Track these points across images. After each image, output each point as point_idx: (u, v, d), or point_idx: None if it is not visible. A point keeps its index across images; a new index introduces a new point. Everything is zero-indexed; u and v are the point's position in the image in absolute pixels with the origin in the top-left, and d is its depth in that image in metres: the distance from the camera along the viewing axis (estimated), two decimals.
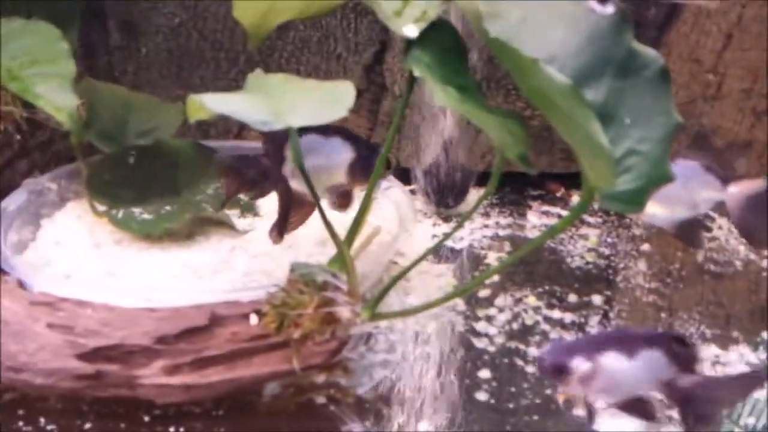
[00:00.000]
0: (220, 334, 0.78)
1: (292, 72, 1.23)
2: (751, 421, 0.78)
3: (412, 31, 0.79)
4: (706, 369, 0.86)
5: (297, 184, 0.87)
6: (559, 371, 0.65)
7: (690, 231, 0.89)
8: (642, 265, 1.10)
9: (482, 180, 1.38)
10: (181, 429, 0.77)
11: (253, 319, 0.80)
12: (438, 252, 1.12)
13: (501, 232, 1.20)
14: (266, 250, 0.99)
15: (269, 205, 1.12)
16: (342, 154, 0.89)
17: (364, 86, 1.24)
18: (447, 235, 0.85)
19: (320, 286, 0.78)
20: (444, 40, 0.82)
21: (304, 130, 0.79)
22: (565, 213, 1.25)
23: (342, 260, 0.79)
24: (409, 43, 0.79)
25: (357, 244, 0.85)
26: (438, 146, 1.22)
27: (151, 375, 0.75)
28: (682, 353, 0.66)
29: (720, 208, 0.89)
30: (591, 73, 0.77)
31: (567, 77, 0.77)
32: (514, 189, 1.35)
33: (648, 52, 0.76)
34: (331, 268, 0.81)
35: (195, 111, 0.72)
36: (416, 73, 0.76)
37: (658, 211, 0.86)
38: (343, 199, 0.89)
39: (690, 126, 1.25)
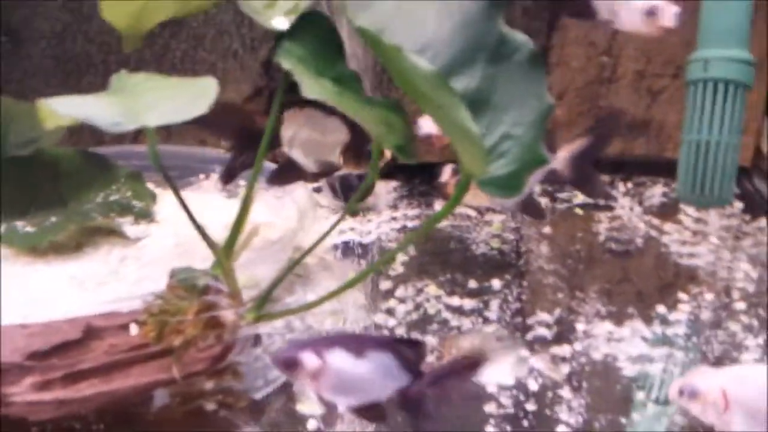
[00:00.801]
0: (97, 347, 0.75)
1: (188, 72, 1.20)
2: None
3: (281, 23, 0.77)
4: (601, 345, 0.87)
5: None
6: (289, 365, 0.65)
7: (531, 206, 0.94)
8: (544, 248, 1.11)
9: (390, 173, 1.38)
10: None
11: (133, 329, 0.77)
12: (347, 247, 1.11)
13: (409, 224, 1.20)
14: (159, 258, 0.96)
15: (165, 210, 1.10)
16: (338, 134, 0.88)
17: (263, 83, 1.22)
18: (327, 232, 0.83)
19: (201, 290, 0.76)
20: (318, 32, 0.81)
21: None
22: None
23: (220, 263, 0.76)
24: (280, 36, 0.77)
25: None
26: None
27: (22, 392, 0.71)
28: (412, 358, 0.66)
29: (552, 175, 0.92)
30: (464, 59, 0.77)
31: (441, 65, 0.77)
32: (423, 180, 1.34)
33: (518, 36, 0.76)
34: (214, 272, 0.79)
35: (47, 116, 0.69)
36: (285, 66, 0.74)
37: None
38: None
39: (589, 110, 1.26)
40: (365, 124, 0.78)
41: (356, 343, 0.65)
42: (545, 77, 0.75)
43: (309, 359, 0.65)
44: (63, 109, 0.64)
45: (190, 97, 0.67)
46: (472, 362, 0.67)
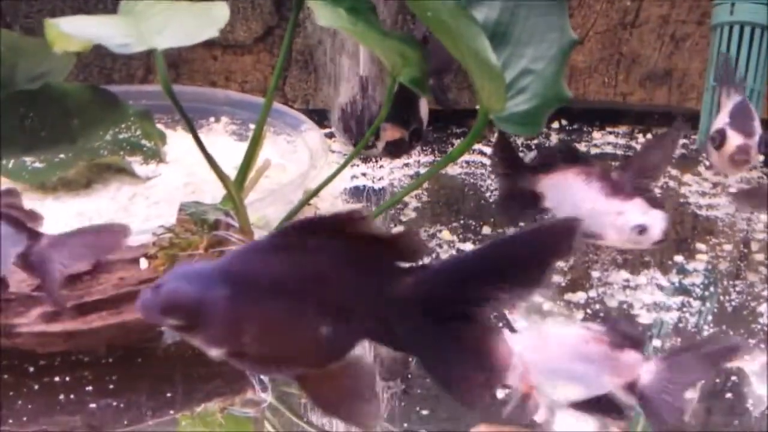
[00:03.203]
0: (106, 280, 0.74)
1: None
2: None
3: None
4: (617, 293, 0.85)
5: None
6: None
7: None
8: None
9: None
10: (67, 378, 0.73)
11: (143, 262, 0.76)
12: (359, 191, 1.10)
13: (422, 170, 1.18)
14: (168, 197, 0.95)
15: (174, 150, 1.08)
16: None
17: (275, 22, 1.19)
18: (339, 169, 0.81)
19: (211, 225, 0.75)
20: None
21: None
22: (488, 150, 1.23)
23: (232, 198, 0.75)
24: None
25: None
26: (354, 85, 1.18)
27: (30, 323, 0.71)
28: None
29: None
30: None
31: None
32: (437, 127, 1.32)
33: None
34: (224, 207, 0.77)
35: (55, 38, 0.67)
36: None
37: None
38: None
39: (611, 55, 1.23)
40: (381, 56, 0.76)
41: None
42: (567, 11, 0.72)
43: None
44: (71, 29, 0.62)
45: (201, 20, 0.65)
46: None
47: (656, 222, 0.77)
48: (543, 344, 0.61)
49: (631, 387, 0.57)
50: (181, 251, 0.74)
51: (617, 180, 0.80)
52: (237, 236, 0.75)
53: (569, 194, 0.81)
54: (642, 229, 0.77)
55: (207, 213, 0.75)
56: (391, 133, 1.12)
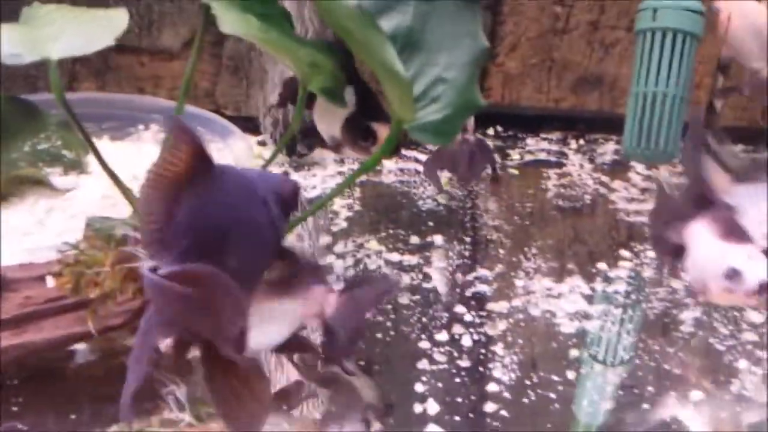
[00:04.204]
0: (11, 298, 0.71)
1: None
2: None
3: None
4: (540, 301, 0.85)
5: None
6: None
7: None
8: (492, 204, 1.08)
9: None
10: None
11: (50, 281, 0.73)
12: None
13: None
14: (86, 209, 0.92)
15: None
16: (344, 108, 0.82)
17: (204, 27, 1.17)
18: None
19: (118, 240, 0.72)
20: None
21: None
22: (423, 157, 1.22)
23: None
24: None
25: None
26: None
27: None
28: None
29: None
30: None
31: (372, 0, 0.73)
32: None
33: None
34: (133, 221, 0.75)
35: None
36: None
37: None
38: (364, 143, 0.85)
39: (542, 61, 1.23)
40: (291, 65, 0.74)
41: None
42: (480, 17, 0.71)
43: None
44: None
45: (98, 29, 0.63)
46: None
47: (754, 269, 0.64)
48: None
49: (319, 316, 0.63)
50: (88, 268, 0.72)
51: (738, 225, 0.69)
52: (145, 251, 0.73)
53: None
54: (734, 275, 0.65)
55: (114, 228, 0.72)
56: (386, 130, 1.09)
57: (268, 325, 0.62)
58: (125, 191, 0.71)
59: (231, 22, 0.67)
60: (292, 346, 0.64)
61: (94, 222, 0.73)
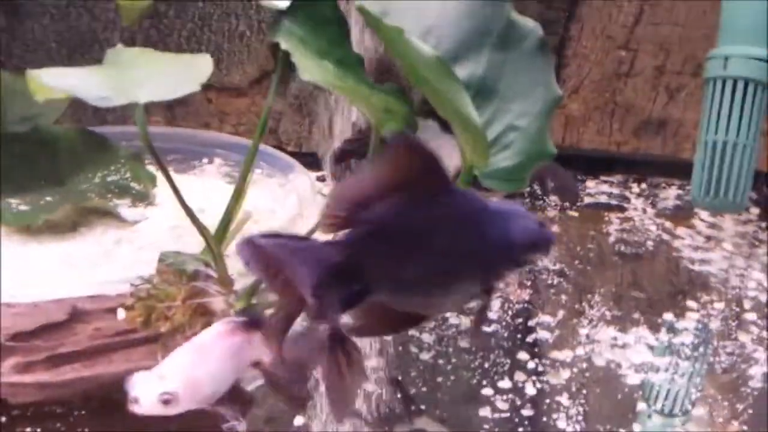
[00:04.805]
0: (82, 330, 0.73)
1: (193, 53, 1.18)
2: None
3: (281, 1, 0.74)
4: (605, 350, 0.83)
5: None
6: None
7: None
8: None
9: None
10: (39, 430, 0.71)
11: (121, 313, 0.75)
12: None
13: None
14: (154, 241, 0.94)
15: (165, 193, 1.07)
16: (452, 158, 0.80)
17: (270, 66, 1.19)
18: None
19: (190, 275, 0.73)
20: (321, 11, 0.78)
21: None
22: None
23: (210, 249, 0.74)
24: (280, 14, 0.74)
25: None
26: (347, 130, 1.18)
27: (4, 373, 0.69)
28: None
29: None
30: (470, 45, 0.74)
31: (445, 49, 0.74)
32: None
33: (526, 22, 0.73)
34: (204, 257, 0.76)
35: (37, 88, 0.67)
36: (284, 46, 0.72)
37: None
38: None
39: (605, 104, 1.23)
40: (365, 111, 0.75)
41: None
42: (553, 66, 0.72)
43: None
44: (49, 81, 0.61)
45: (184, 73, 0.65)
46: None
47: None
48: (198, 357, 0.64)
49: (258, 365, 0.66)
50: (159, 302, 0.73)
51: None
52: (216, 287, 0.74)
53: None
54: None
55: (186, 263, 0.74)
56: None
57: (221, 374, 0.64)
58: (199, 226, 0.73)
59: (310, 69, 0.68)
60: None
61: (167, 256, 0.74)
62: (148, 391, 0.62)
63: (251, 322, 0.67)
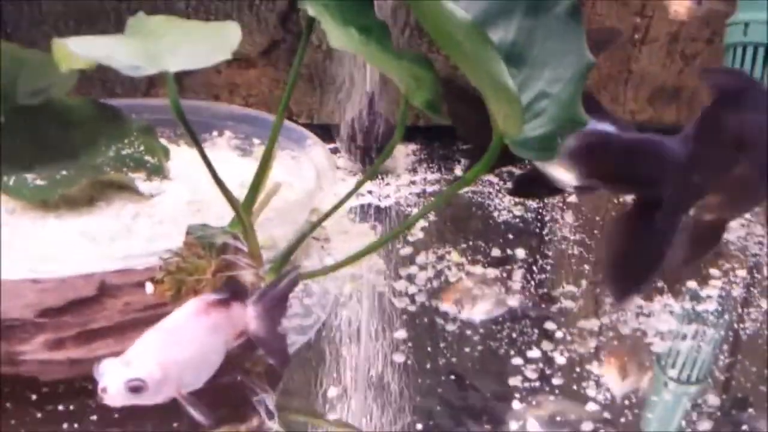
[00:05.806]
0: (112, 305, 0.72)
1: None
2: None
3: None
4: (630, 320, 0.84)
5: None
6: None
7: None
8: (569, 217, 1.07)
9: (409, 135, 1.34)
10: (71, 407, 0.71)
11: (149, 287, 0.74)
12: (364, 210, 1.08)
13: (429, 189, 1.16)
14: (173, 215, 0.93)
15: (178, 166, 1.06)
16: None
17: (280, 36, 1.18)
18: (349, 194, 0.79)
19: (219, 249, 0.73)
20: None
21: None
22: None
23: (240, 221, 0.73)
24: None
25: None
26: (360, 100, 1.17)
27: (34, 350, 0.69)
28: None
29: None
30: (500, 10, 0.73)
31: (475, 14, 0.73)
32: (444, 143, 1.30)
33: None
34: (232, 230, 0.75)
35: (63, 58, 0.65)
36: (311, 12, 0.70)
37: None
38: None
39: (619, 72, 1.22)
40: (393, 78, 0.74)
41: None
42: (584, 32, 0.70)
43: None
44: (80, 50, 0.60)
45: (213, 41, 0.63)
46: None
47: None
48: (169, 340, 0.63)
49: (243, 334, 0.66)
50: (189, 276, 0.72)
51: None
52: (245, 260, 0.74)
53: None
54: None
55: (215, 236, 0.73)
56: None
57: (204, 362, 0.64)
58: (230, 198, 0.72)
59: (338, 37, 0.67)
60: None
61: (196, 230, 0.73)
62: (115, 378, 0.58)
63: (232, 295, 0.67)
